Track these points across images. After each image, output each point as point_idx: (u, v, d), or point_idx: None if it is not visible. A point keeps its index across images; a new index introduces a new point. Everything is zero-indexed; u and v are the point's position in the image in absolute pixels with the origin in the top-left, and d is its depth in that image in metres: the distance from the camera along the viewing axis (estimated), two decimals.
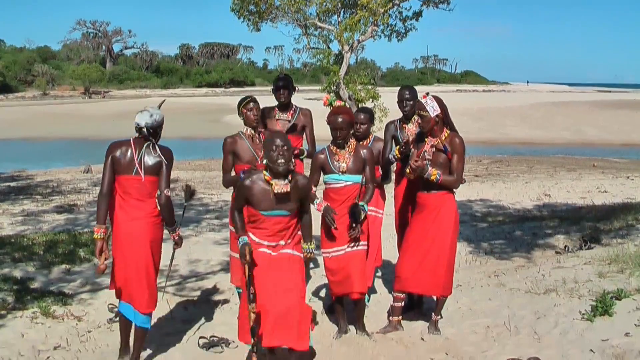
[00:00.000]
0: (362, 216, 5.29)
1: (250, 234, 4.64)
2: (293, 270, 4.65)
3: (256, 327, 4.51)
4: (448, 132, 5.32)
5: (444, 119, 5.32)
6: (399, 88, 6.26)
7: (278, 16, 20.35)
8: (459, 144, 5.26)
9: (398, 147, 5.83)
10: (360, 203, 5.30)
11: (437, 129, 5.30)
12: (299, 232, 4.78)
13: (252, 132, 5.57)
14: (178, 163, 19.73)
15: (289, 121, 6.26)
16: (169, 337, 5.58)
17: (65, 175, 17.62)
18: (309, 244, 4.82)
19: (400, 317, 5.67)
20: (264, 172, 4.52)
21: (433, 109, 5.24)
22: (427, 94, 5.38)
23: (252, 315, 4.49)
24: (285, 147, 4.43)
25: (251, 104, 5.53)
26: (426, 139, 5.38)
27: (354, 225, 5.30)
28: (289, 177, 4.51)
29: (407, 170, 5.24)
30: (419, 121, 5.34)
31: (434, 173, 5.16)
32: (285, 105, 6.26)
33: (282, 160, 4.42)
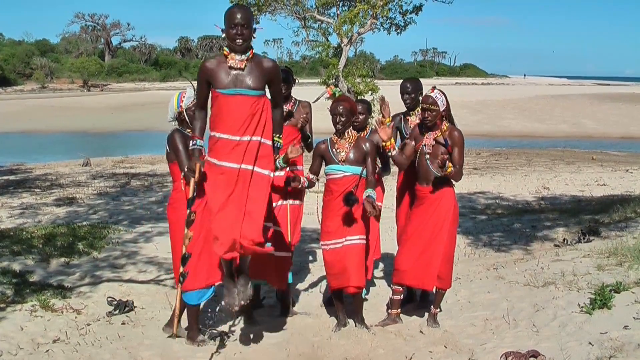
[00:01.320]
0: (355, 203, 5.26)
1: (208, 158, 4.53)
2: (254, 188, 4.50)
3: (188, 256, 4.56)
4: (447, 125, 5.33)
5: (447, 113, 5.34)
6: (400, 81, 6.28)
7: (277, 8, 20.31)
8: (459, 136, 5.28)
9: (400, 146, 5.87)
10: (369, 190, 5.26)
11: (438, 122, 5.32)
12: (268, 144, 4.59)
13: None
14: None
15: (291, 111, 6.26)
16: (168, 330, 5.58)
17: (64, 169, 17.61)
18: (278, 136, 4.73)
19: (399, 310, 5.68)
20: (224, 47, 4.48)
21: (442, 103, 5.27)
22: (434, 87, 5.39)
23: (186, 242, 4.50)
24: (244, 25, 4.38)
25: None
26: (425, 133, 5.39)
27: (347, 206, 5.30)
28: (249, 55, 4.44)
29: (435, 167, 5.22)
30: (425, 114, 5.33)
31: (449, 166, 5.17)
32: (285, 97, 6.26)
33: (240, 40, 4.39)
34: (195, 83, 4.75)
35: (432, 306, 5.61)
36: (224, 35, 4.44)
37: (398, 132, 6.12)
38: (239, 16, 4.38)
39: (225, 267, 4.80)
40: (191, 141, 4.68)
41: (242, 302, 4.77)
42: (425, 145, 5.36)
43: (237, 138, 4.45)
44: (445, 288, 5.55)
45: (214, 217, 4.46)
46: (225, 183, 4.46)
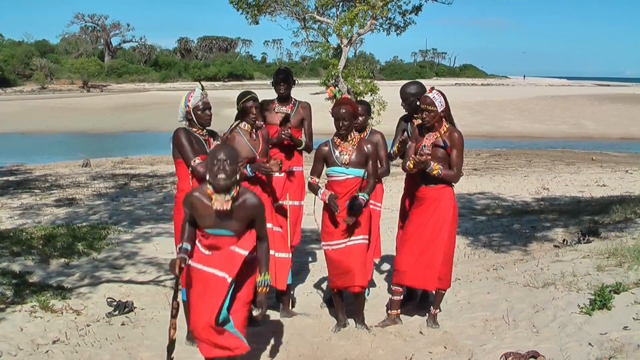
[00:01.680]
0: (360, 209, 5.28)
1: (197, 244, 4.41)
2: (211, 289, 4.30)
3: (173, 344, 4.48)
4: (447, 126, 5.33)
5: (446, 114, 5.34)
6: (402, 83, 6.27)
7: (277, 9, 20.34)
8: (458, 138, 5.28)
9: (397, 144, 5.87)
10: (361, 193, 5.29)
11: (437, 124, 5.32)
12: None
13: (250, 128, 5.57)
14: None
15: (288, 114, 6.26)
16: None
17: (64, 169, 17.61)
18: (264, 275, 4.40)
19: (399, 310, 5.68)
20: (207, 186, 4.18)
21: (440, 104, 5.26)
22: (433, 88, 5.39)
23: (172, 332, 4.39)
24: (227, 162, 4.10)
25: (250, 102, 5.52)
26: (425, 134, 5.39)
27: (350, 214, 5.28)
28: (233, 194, 4.17)
29: (410, 164, 5.24)
30: (423, 115, 5.32)
31: (436, 168, 5.17)
32: (284, 98, 6.27)
33: (222, 176, 4.07)
34: (202, 83, 4.69)
35: (431, 307, 5.61)
36: (208, 176, 4.17)
37: (403, 133, 6.10)
38: (221, 154, 4.13)
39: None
40: (179, 245, 4.43)
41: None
42: (424, 146, 5.36)
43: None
44: (445, 288, 5.55)
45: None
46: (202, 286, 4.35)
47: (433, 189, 5.37)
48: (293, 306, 6.18)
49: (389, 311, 5.72)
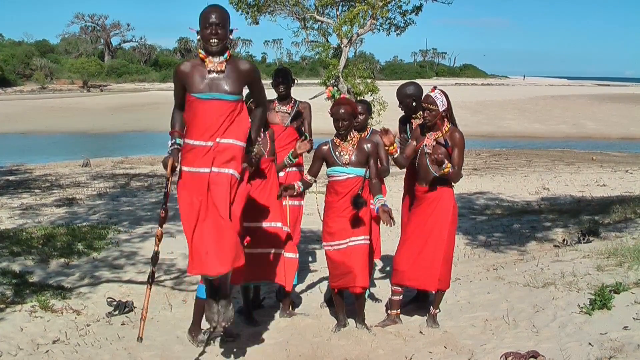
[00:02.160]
0: (363, 205, 5.28)
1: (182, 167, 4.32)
2: (218, 190, 4.24)
3: (157, 255, 4.48)
4: (449, 126, 5.34)
5: (448, 114, 5.34)
6: (400, 82, 6.29)
7: (277, 9, 20.34)
8: (460, 138, 5.28)
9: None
10: (379, 196, 5.27)
11: (439, 123, 5.32)
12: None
13: None
14: None
15: (289, 113, 6.27)
16: (168, 330, 5.59)
17: (64, 169, 17.61)
18: (257, 145, 4.52)
19: (399, 310, 5.68)
20: (200, 50, 4.28)
21: (442, 103, 5.26)
22: (435, 87, 5.39)
23: (157, 243, 4.41)
24: (220, 25, 4.19)
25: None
26: (427, 133, 5.39)
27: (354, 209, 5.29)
28: (227, 57, 4.25)
29: (428, 162, 5.27)
30: (425, 114, 5.33)
31: (448, 166, 5.17)
32: (284, 98, 6.28)
33: (215, 40, 4.19)
34: None
35: (431, 307, 5.61)
36: (198, 37, 4.27)
37: (403, 134, 6.12)
38: (213, 16, 4.20)
39: (206, 286, 4.67)
40: (170, 139, 4.47)
41: (223, 323, 4.62)
42: (425, 145, 5.37)
43: (210, 144, 4.25)
44: (445, 289, 5.55)
45: (190, 235, 4.28)
46: (198, 190, 4.26)
47: (432, 189, 5.37)
48: (294, 307, 6.17)
49: (389, 311, 5.72)
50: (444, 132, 5.30)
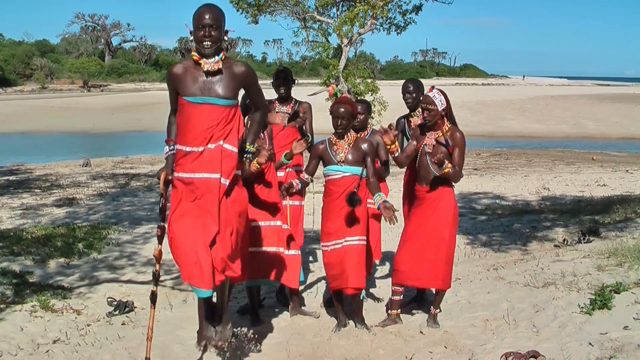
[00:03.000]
0: (359, 203, 5.26)
1: (176, 174, 4.20)
2: (223, 203, 4.14)
3: (158, 273, 4.37)
4: (449, 125, 5.34)
5: (447, 113, 5.34)
6: (401, 81, 6.32)
7: (277, 9, 20.31)
8: (460, 138, 5.28)
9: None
10: (379, 194, 5.25)
11: (440, 123, 5.32)
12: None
13: None
14: None
15: (289, 113, 6.28)
16: (168, 330, 5.59)
17: (64, 169, 17.61)
18: (251, 146, 4.35)
19: (399, 310, 5.68)
20: (193, 53, 4.13)
21: (441, 103, 5.26)
22: (433, 87, 5.39)
23: (156, 261, 4.32)
24: (213, 26, 4.03)
25: None
26: (427, 133, 5.39)
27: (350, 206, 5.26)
28: (222, 57, 4.12)
29: (429, 161, 5.27)
30: (424, 114, 5.33)
31: (448, 166, 5.17)
32: (284, 98, 6.28)
33: (209, 43, 4.04)
34: None
35: (432, 307, 5.61)
36: (192, 38, 4.09)
37: (402, 135, 6.14)
38: (207, 17, 4.03)
39: (203, 306, 4.57)
40: (166, 146, 4.34)
41: (220, 343, 4.53)
42: (426, 144, 5.37)
43: (201, 149, 4.10)
44: (446, 288, 5.55)
45: (175, 240, 4.15)
46: (188, 196, 4.16)
47: (432, 189, 5.37)
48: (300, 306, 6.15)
49: (389, 311, 5.72)
50: (445, 131, 5.30)
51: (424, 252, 5.40)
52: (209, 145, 4.11)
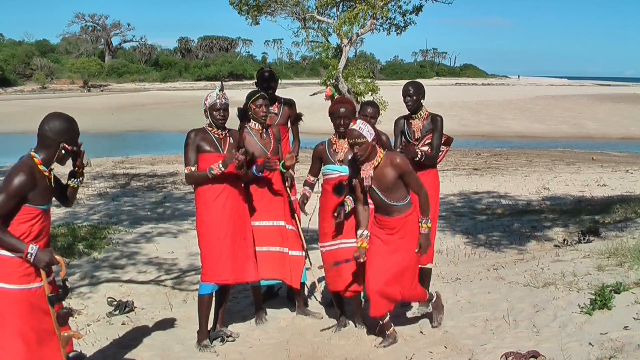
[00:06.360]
0: (349, 207, 5.14)
1: None
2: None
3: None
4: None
5: (378, 139, 4.95)
6: (401, 81, 6.30)
7: (277, 9, 20.35)
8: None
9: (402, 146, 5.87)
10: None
11: (372, 154, 4.85)
12: None
13: (260, 127, 5.58)
14: (178, 156, 19.72)
15: (276, 113, 6.33)
16: (168, 330, 5.59)
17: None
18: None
19: (393, 328, 5.27)
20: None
21: (369, 133, 4.78)
22: (356, 119, 4.97)
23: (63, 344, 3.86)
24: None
25: (260, 101, 5.51)
26: (361, 166, 4.93)
27: (337, 212, 5.16)
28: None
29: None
30: (355, 150, 4.80)
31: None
32: (271, 99, 6.28)
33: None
34: (222, 83, 4.83)
35: (430, 306, 5.59)
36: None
37: (402, 135, 6.01)
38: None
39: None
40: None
41: None
42: (364, 178, 4.91)
43: None
44: (423, 299, 5.36)
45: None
46: None
47: (394, 219, 4.99)
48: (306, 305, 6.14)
49: (386, 332, 5.27)
50: (379, 160, 4.86)
51: (392, 270, 5.01)
52: None
